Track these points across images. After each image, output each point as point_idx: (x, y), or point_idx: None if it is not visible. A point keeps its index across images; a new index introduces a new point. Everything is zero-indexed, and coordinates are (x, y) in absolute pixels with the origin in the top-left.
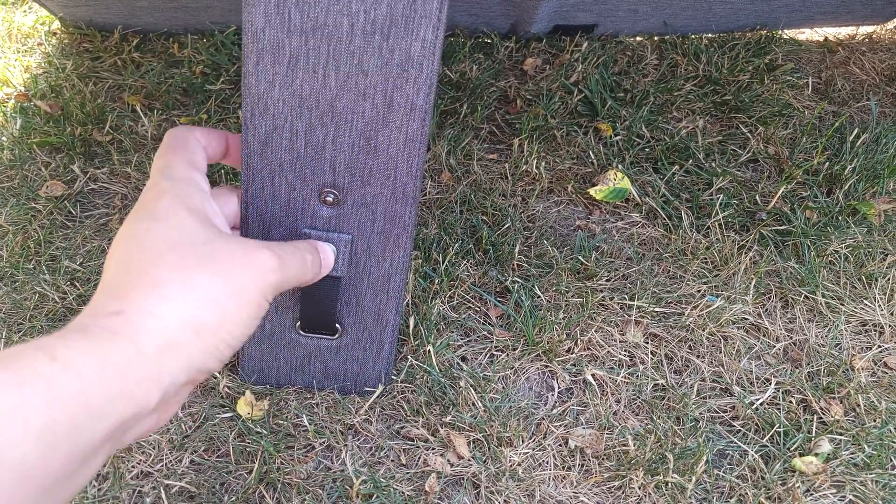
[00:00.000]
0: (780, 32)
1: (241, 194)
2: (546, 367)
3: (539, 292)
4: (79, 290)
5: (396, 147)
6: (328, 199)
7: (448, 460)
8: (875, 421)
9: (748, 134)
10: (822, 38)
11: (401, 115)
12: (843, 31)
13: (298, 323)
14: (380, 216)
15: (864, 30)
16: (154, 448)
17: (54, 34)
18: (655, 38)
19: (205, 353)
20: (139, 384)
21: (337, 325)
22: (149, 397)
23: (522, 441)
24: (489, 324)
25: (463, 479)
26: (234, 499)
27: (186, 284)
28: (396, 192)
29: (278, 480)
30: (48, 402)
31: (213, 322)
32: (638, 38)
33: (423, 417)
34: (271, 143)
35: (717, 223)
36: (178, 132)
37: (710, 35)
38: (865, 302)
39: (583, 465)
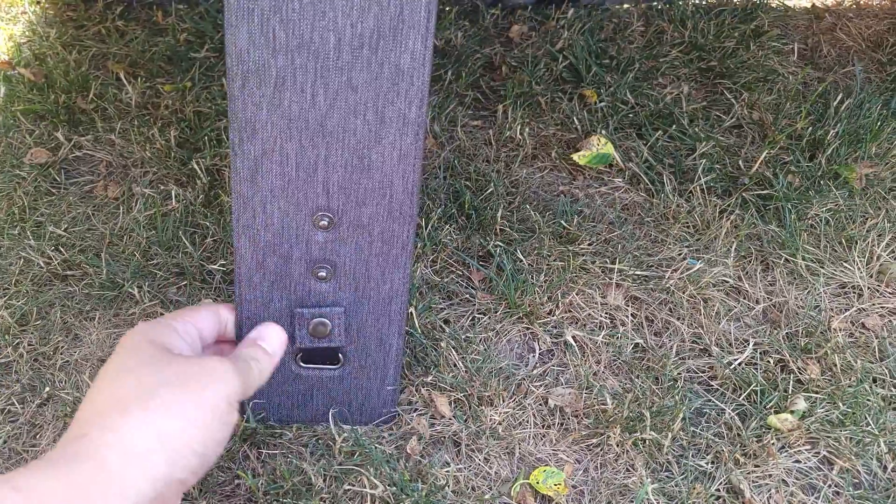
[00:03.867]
0: None
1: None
2: (527, 329)
3: (521, 256)
4: (63, 255)
5: (391, 164)
6: (322, 223)
7: (430, 419)
8: (850, 380)
9: (732, 100)
10: (809, 5)
11: (393, 130)
12: None
13: (299, 354)
14: (377, 237)
15: None
16: None
17: (38, 3)
18: (642, 5)
19: (171, 464)
20: (105, 500)
21: (339, 354)
22: None
23: (503, 400)
24: (472, 287)
25: (444, 437)
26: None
27: (146, 399)
28: (393, 211)
29: (263, 442)
30: None
31: (175, 428)
32: (625, 6)
33: (405, 378)
34: (261, 168)
35: (699, 187)
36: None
37: (696, 1)
38: (845, 264)
39: (562, 424)
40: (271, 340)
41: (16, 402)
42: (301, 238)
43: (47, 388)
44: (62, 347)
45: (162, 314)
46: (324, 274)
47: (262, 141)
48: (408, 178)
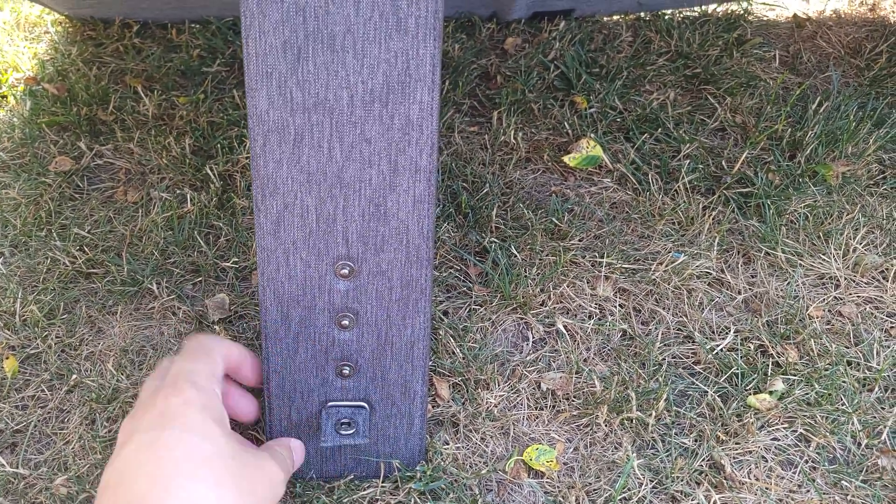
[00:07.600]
0: (750, 5)
1: (259, 370)
2: (521, 318)
3: (515, 251)
4: (87, 254)
5: (406, 210)
6: (343, 271)
7: (430, 402)
8: (826, 363)
9: (716, 104)
10: (791, 14)
11: (406, 177)
12: (813, 8)
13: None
14: (396, 283)
15: (833, 5)
16: None
17: (59, 23)
18: (630, 17)
19: None
20: None
21: (364, 404)
22: None
23: (498, 384)
24: (469, 281)
25: (444, 418)
26: None
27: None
28: (410, 255)
29: None
30: None
31: None
32: (614, 18)
33: None
34: (283, 221)
35: (683, 186)
36: (203, 341)
37: (682, 11)
38: (822, 257)
39: (553, 406)
40: (298, 452)
41: (45, 389)
42: (324, 288)
43: (74, 376)
44: (87, 339)
45: (180, 309)
46: (346, 322)
47: (283, 196)
48: (422, 223)
